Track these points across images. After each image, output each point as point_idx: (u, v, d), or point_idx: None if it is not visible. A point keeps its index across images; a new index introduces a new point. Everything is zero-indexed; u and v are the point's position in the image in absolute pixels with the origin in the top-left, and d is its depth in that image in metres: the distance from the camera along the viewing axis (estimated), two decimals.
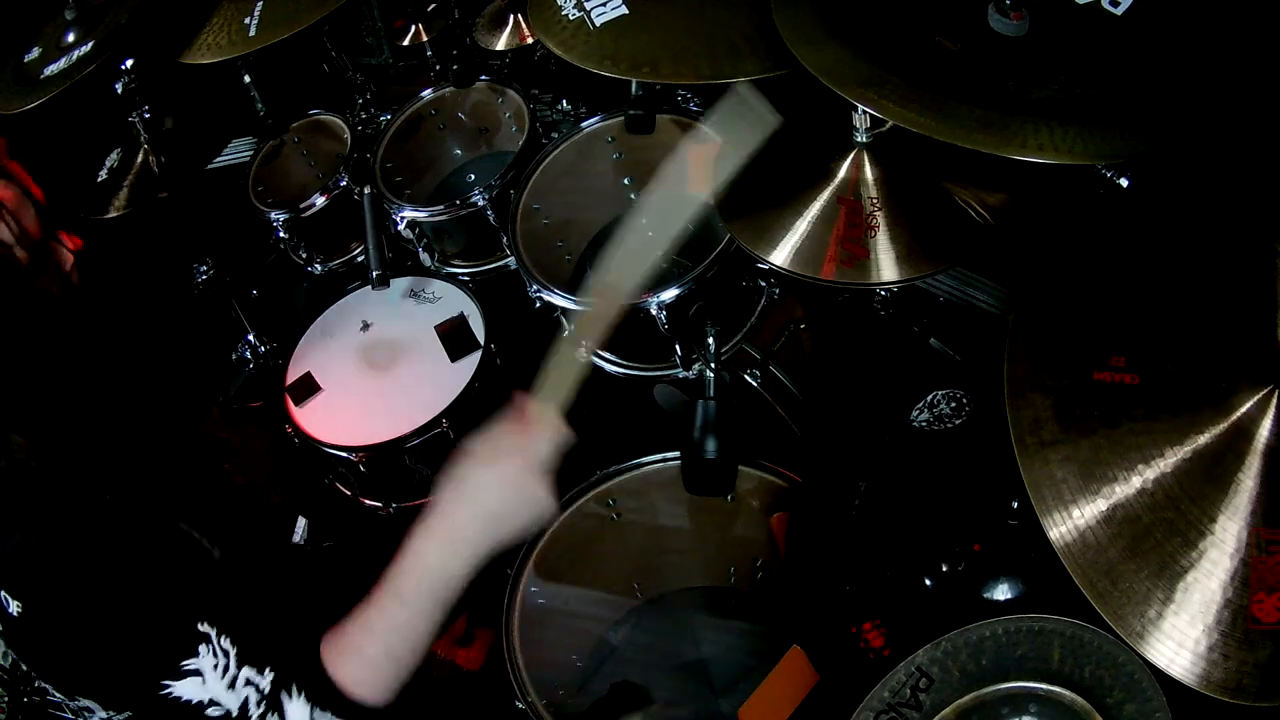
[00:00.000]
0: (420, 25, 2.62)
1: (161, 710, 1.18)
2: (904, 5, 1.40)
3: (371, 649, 1.22)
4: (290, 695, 1.22)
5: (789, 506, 1.62)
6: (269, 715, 1.20)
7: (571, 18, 1.81)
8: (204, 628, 1.18)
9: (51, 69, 2.19)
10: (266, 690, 1.20)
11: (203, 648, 1.17)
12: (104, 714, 1.25)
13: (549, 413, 1.28)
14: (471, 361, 2.01)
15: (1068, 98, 1.23)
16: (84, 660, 1.18)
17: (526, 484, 1.22)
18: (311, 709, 1.22)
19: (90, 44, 2.16)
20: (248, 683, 1.20)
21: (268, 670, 1.21)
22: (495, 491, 1.22)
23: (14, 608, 1.15)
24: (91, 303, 1.23)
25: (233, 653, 1.19)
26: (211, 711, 1.18)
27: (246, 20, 2.11)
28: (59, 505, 1.18)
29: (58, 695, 1.25)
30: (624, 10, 1.77)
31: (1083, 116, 1.20)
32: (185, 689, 1.17)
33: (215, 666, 1.18)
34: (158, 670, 1.16)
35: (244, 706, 1.19)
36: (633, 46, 1.72)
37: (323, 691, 1.23)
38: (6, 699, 1.33)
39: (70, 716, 1.36)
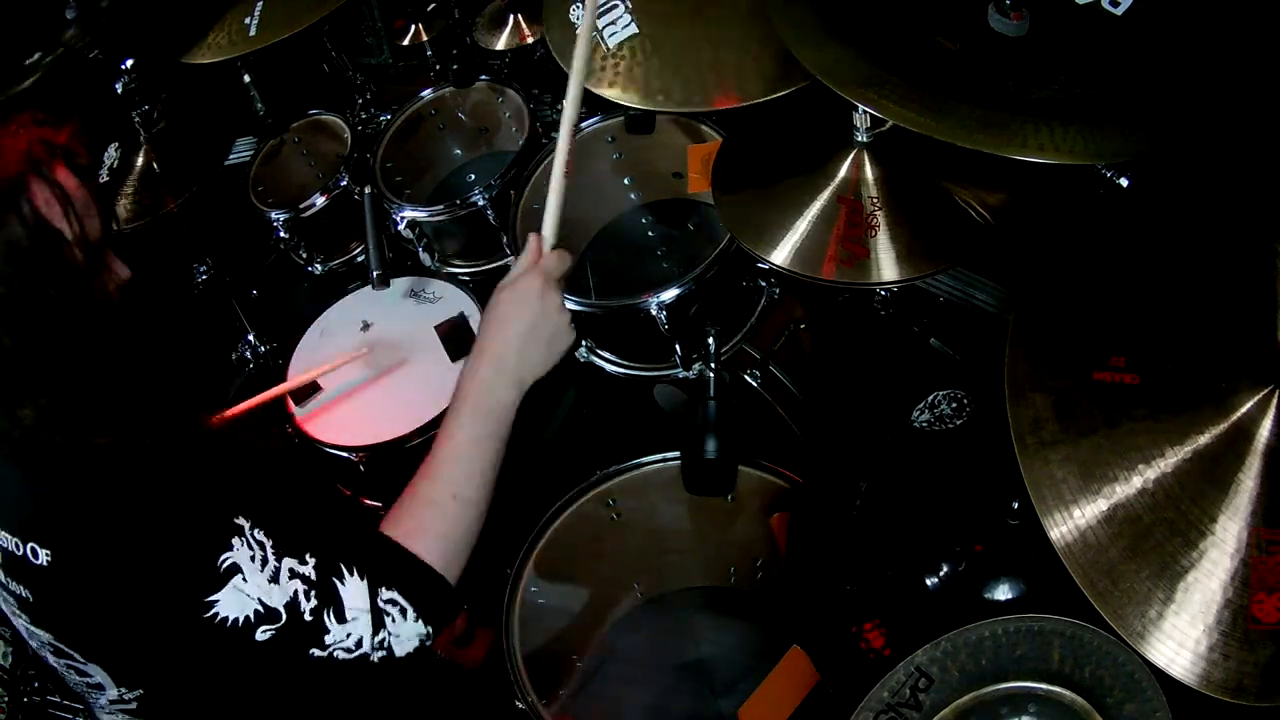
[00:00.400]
0: (420, 25, 2.62)
1: (208, 646, 1.11)
2: (904, 5, 1.40)
3: (438, 494, 1.23)
4: (343, 579, 1.16)
5: (789, 506, 1.62)
6: (324, 610, 1.14)
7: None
8: (238, 521, 1.12)
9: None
10: (314, 578, 1.14)
11: (236, 540, 1.11)
12: (114, 692, 1.22)
13: (551, 241, 1.37)
14: None
15: (1068, 98, 1.23)
16: (117, 598, 1.11)
17: (549, 299, 1.32)
18: (373, 588, 1.17)
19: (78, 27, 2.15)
20: (292, 574, 1.13)
21: (309, 557, 1.15)
22: (523, 308, 1.31)
23: (43, 558, 1.09)
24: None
25: (269, 544, 1.13)
26: (261, 633, 1.11)
27: (246, 20, 2.11)
28: (81, 448, 1.12)
29: (72, 660, 1.19)
30: (634, 30, 1.77)
31: (1083, 116, 1.20)
32: (227, 602, 1.10)
33: (253, 559, 1.11)
34: (195, 581, 1.09)
35: (294, 602, 1.13)
36: (646, 73, 1.73)
37: (385, 567, 1.19)
38: (6, 699, 1.32)
39: (69, 716, 1.35)
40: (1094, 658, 1.10)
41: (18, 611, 1.19)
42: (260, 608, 1.11)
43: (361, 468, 1.99)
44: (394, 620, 1.18)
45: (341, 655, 1.16)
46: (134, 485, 1.11)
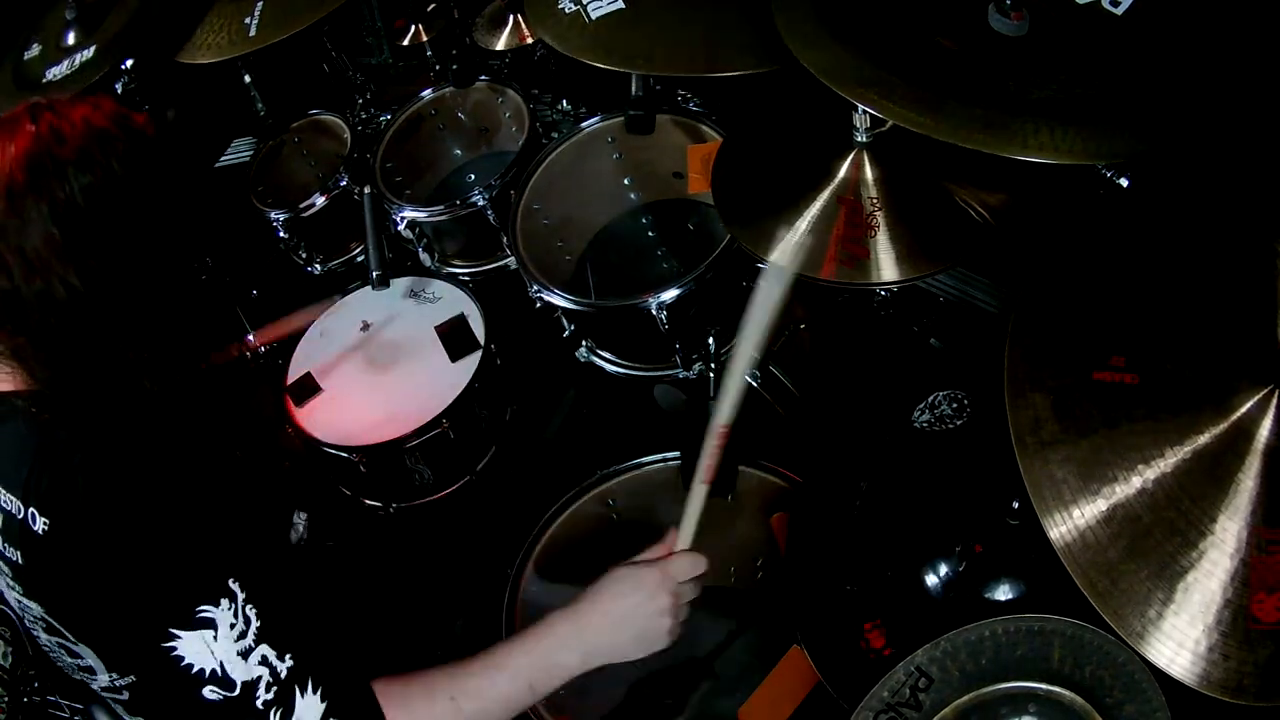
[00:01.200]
0: (420, 25, 2.62)
1: (159, 670, 1.11)
2: (904, 5, 1.40)
3: (450, 698, 1.20)
4: (304, 692, 1.15)
5: (789, 506, 1.62)
6: (274, 709, 1.13)
7: (568, 11, 1.82)
8: (233, 585, 1.12)
9: (54, 72, 2.19)
10: (282, 676, 1.13)
11: (225, 601, 1.10)
12: (105, 678, 1.21)
13: (687, 545, 1.34)
14: (471, 361, 2.01)
15: (1067, 98, 1.23)
16: (99, 588, 1.11)
17: (660, 599, 1.28)
18: (327, 714, 1.15)
19: (93, 49, 2.16)
20: (264, 661, 1.12)
21: (288, 657, 1.14)
22: (632, 594, 1.29)
23: (40, 525, 1.09)
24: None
25: (255, 624, 1.12)
26: (209, 691, 1.10)
27: (246, 20, 2.11)
28: (112, 428, 1.14)
29: (64, 639, 1.19)
30: (620, 5, 1.79)
31: (1082, 117, 1.20)
32: (190, 647, 1.09)
33: (232, 626, 1.11)
34: (169, 610, 1.09)
35: (252, 685, 1.12)
36: (628, 39, 1.73)
37: (346, 702, 1.17)
38: (6, 699, 1.32)
39: (69, 716, 1.35)
40: (1094, 658, 1.10)
41: (11, 581, 1.18)
42: (219, 670, 1.11)
43: (362, 468, 1.99)
44: None
45: None
46: (146, 485, 1.12)
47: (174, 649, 1.10)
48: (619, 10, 1.79)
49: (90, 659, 1.20)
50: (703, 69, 1.69)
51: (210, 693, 1.11)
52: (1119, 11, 1.28)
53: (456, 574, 2.12)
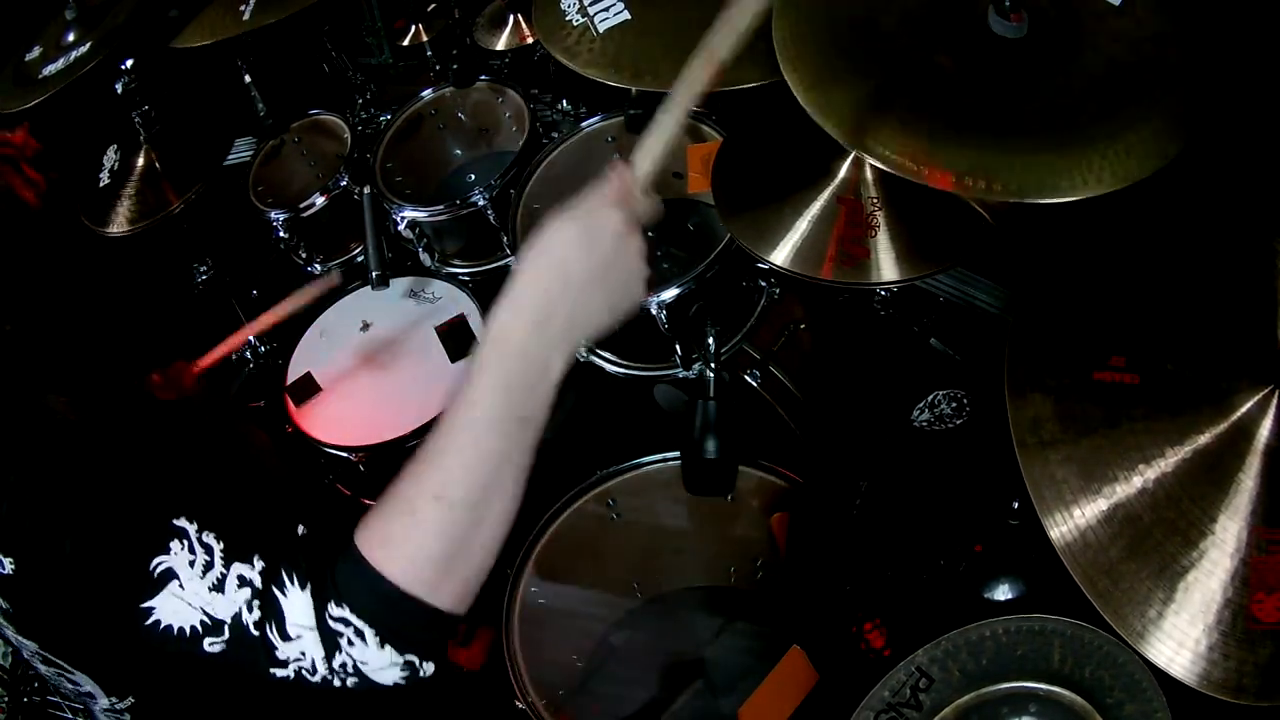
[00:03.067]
0: (420, 25, 2.62)
1: (158, 654, 1.03)
2: (902, 24, 1.39)
3: (417, 495, 0.99)
4: (284, 589, 1.00)
5: (789, 506, 1.62)
6: (267, 624, 1.00)
7: (575, 24, 1.81)
8: (179, 523, 1.02)
9: (50, 68, 2.19)
10: (259, 585, 1.01)
11: (174, 543, 1.00)
12: (105, 701, 1.21)
13: (642, 176, 1.08)
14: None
15: (1072, 106, 1.23)
16: (73, 604, 1.05)
17: (632, 242, 1.01)
18: (318, 603, 1.00)
19: (88, 44, 2.16)
20: (241, 582, 1.01)
21: (256, 559, 1.01)
22: (595, 246, 1.00)
23: (8, 566, 1.03)
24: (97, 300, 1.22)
25: (218, 548, 1.01)
26: (208, 645, 1.01)
27: (241, 6, 2.10)
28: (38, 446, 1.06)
29: (61, 669, 1.18)
30: (626, 15, 1.78)
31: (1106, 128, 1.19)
32: (165, 609, 1.00)
33: (192, 564, 1.00)
34: (128, 585, 1.01)
35: (238, 617, 1.01)
36: (635, 54, 1.72)
37: (337, 579, 1.01)
38: (6, 699, 1.32)
39: (70, 716, 1.35)
40: (1094, 658, 1.10)
41: (3, 622, 1.16)
42: (205, 618, 1.01)
43: (361, 468, 1.99)
44: (352, 644, 1.01)
45: (308, 677, 1.02)
46: (78, 482, 1.05)
47: (157, 621, 1.01)
48: (625, 21, 1.78)
49: (89, 685, 1.20)
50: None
51: (210, 645, 1.02)
52: (1117, 2, 1.28)
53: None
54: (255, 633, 1.01)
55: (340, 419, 2.03)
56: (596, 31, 1.78)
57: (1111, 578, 1.08)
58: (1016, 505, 1.28)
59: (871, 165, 1.54)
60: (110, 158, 2.31)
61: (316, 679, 1.02)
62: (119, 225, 2.19)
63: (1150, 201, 1.29)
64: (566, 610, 1.86)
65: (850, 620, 1.36)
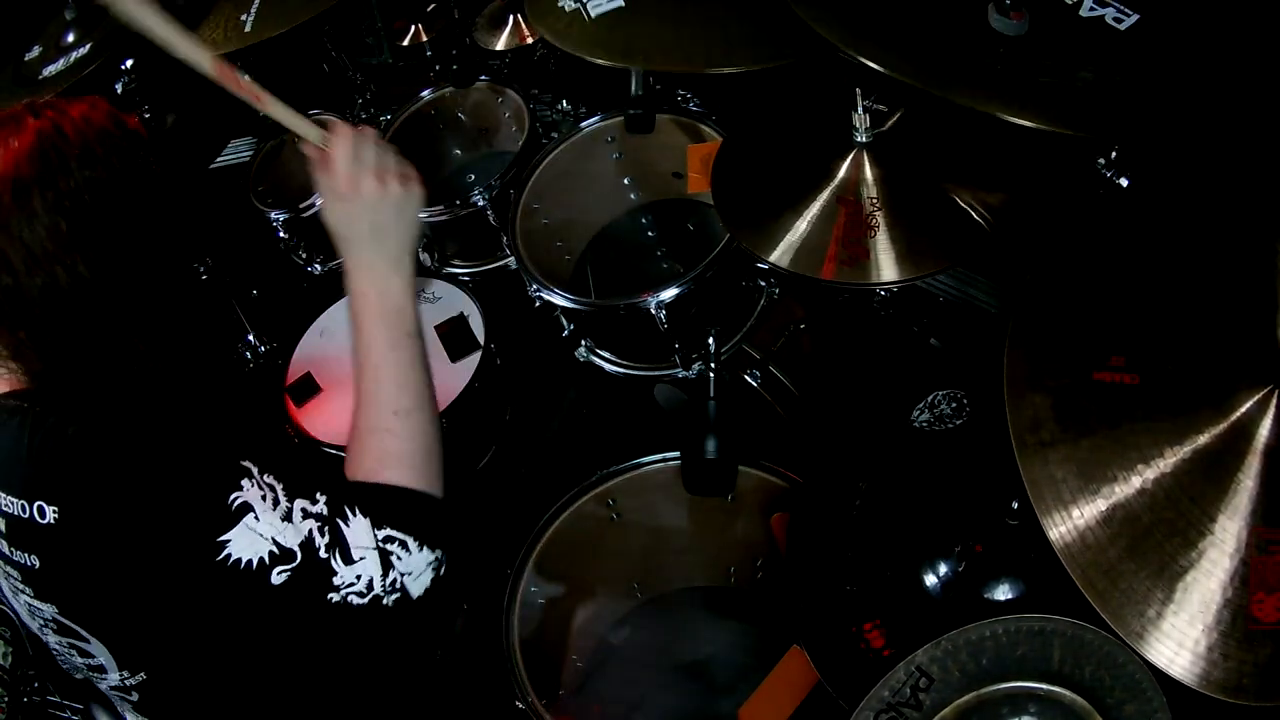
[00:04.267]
0: (420, 25, 2.62)
1: (223, 593, 1.12)
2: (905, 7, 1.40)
3: (381, 418, 1.22)
4: (348, 519, 1.16)
5: (789, 506, 1.62)
6: (334, 550, 1.14)
7: (568, 9, 1.83)
8: (246, 464, 1.13)
9: (51, 69, 2.19)
10: (325, 514, 1.15)
11: (245, 481, 1.12)
12: (116, 676, 1.21)
13: (317, 139, 1.35)
14: (471, 361, 2.01)
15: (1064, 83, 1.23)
16: (124, 554, 1.12)
17: (364, 183, 1.28)
18: (372, 527, 1.17)
19: (89, 45, 2.16)
20: (305, 514, 1.14)
21: (319, 495, 1.16)
22: (352, 211, 1.29)
23: (50, 515, 1.10)
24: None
25: (279, 487, 1.14)
26: (276, 575, 1.11)
27: (243, 17, 2.11)
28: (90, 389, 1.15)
29: (76, 638, 1.20)
30: (620, 3, 1.79)
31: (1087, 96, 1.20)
32: (240, 542, 1.10)
33: (264, 499, 1.12)
34: (206, 521, 1.10)
35: (309, 541, 1.13)
36: (627, 36, 1.74)
37: (373, 507, 1.18)
38: (6, 699, 1.32)
39: (70, 716, 1.35)
40: (1094, 658, 1.10)
41: (21, 585, 1.18)
42: (275, 548, 1.12)
43: None
44: (400, 558, 1.18)
45: (355, 600, 1.16)
46: (140, 431, 1.13)
47: (229, 555, 1.10)
48: (618, 8, 1.79)
49: (102, 657, 1.20)
50: (701, 66, 1.69)
51: (278, 575, 1.12)
52: (1122, 29, 1.28)
53: (456, 574, 2.12)
54: (324, 555, 1.14)
55: (340, 419, 2.02)
56: (588, 16, 1.80)
57: (1111, 578, 1.08)
58: (1016, 505, 1.28)
59: (871, 166, 1.54)
60: None
61: (365, 601, 1.16)
62: None
63: (1150, 202, 1.29)
64: (566, 610, 1.86)
65: (850, 620, 1.36)
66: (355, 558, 1.15)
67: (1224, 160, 1.24)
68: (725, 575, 1.93)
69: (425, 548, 1.20)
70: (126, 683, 1.22)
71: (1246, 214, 1.21)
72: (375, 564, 1.16)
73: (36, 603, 1.19)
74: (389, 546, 1.17)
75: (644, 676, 1.84)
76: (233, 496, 1.11)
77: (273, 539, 1.12)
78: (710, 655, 1.85)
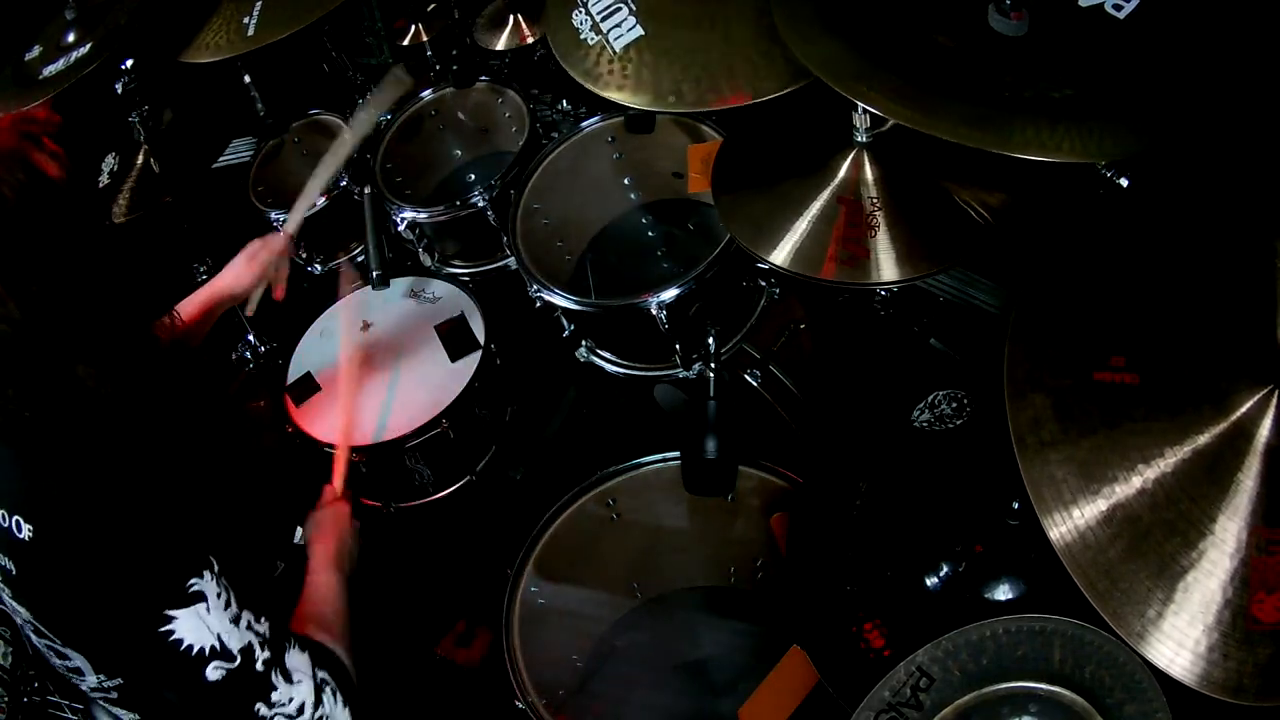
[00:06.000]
0: (420, 25, 2.62)
1: (159, 663, 1.14)
2: (903, 3, 1.40)
3: (328, 618, 1.41)
4: (288, 648, 1.23)
5: (789, 506, 1.62)
6: (274, 668, 1.19)
7: (591, 43, 1.78)
8: (210, 557, 1.16)
9: (50, 69, 2.19)
10: (268, 636, 1.20)
11: (207, 572, 1.15)
12: (94, 679, 1.22)
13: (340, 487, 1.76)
14: (471, 361, 2.01)
15: (1063, 96, 1.23)
16: (87, 587, 1.13)
17: (349, 519, 1.67)
18: (312, 663, 1.25)
19: (89, 45, 2.16)
20: (249, 626, 1.18)
21: (263, 619, 1.21)
22: (339, 526, 1.64)
23: (26, 532, 1.11)
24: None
25: (232, 593, 1.17)
26: (212, 670, 1.14)
27: (245, 20, 2.11)
28: (78, 423, 1.15)
29: (51, 643, 1.20)
30: (640, 32, 1.75)
31: (1076, 114, 1.20)
32: (186, 626, 1.13)
33: (219, 596, 1.15)
34: (161, 591, 1.12)
35: (249, 649, 1.17)
36: (655, 75, 1.70)
37: (314, 650, 1.28)
38: (6, 699, 1.32)
39: (70, 717, 1.35)
40: (1094, 658, 1.10)
41: (2, 585, 1.19)
42: (217, 644, 1.15)
43: (362, 468, 1.99)
44: (329, 700, 1.27)
45: None
46: (123, 482, 1.13)
47: (171, 633, 1.12)
48: (640, 37, 1.75)
49: (78, 660, 1.21)
50: (738, 99, 1.62)
51: (213, 671, 1.15)
52: (1121, 16, 1.28)
53: (456, 574, 2.13)
54: (261, 669, 1.19)
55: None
56: (613, 50, 1.76)
57: (1111, 578, 1.08)
58: (1016, 505, 1.28)
59: (871, 166, 1.54)
60: (109, 163, 2.32)
61: None
62: (116, 217, 2.20)
63: (1150, 202, 1.29)
64: (566, 610, 1.86)
65: (850, 620, 1.36)
66: (295, 679, 1.22)
67: (1224, 160, 1.24)
68: (725, 575, 1.93)
69: (347, 709, 1.29)
70: (104, 685, 1.23)
71: (1246, 214, 1.21)
72: (310, 692, 1.24)
73: (14, 604, 1.20)
74: (324, 685, 1.27)
75: (644, 676, 1.84)
76: (191, 581, 1.14)
77: (218, 635, 1.15)
78: (710, 655, 1.85)
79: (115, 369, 1.17)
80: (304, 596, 1.47)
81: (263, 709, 1.19)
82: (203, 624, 1.14)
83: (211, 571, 1.16)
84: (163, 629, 1.12)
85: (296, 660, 1.24)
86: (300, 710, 1.22)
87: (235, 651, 1.16)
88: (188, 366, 1.39)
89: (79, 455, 1.13)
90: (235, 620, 1.17)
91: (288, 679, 1.21)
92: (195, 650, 1.14)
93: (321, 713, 1.25)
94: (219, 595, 1.16)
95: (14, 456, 1.14)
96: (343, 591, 1.52)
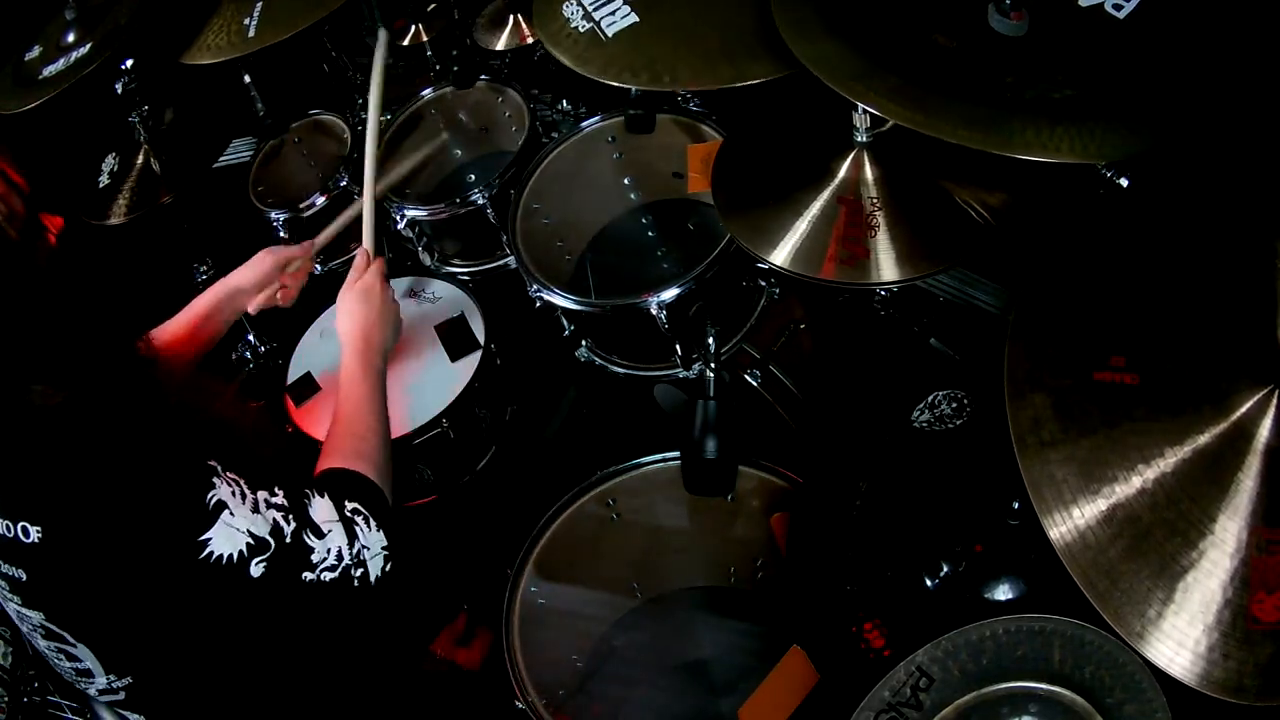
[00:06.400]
0: (420, 25, 2.62)
1: (206, 591, 1.16)
2: (903, 3, 1.40)
3: (360, 430, 1.48)
4: (310, 500, 1.27)
5: (789, 506, 1.62)
6: (304, 530, 1.23)
7: (582, 30, 1.79)
8: (211, 463, 1.19)
9: (50, 69, 2.19)
10: (287, 504, 1.23)
11: (215, 479, 1.17)
12: (103, 680, 1.22)
13: (373, 252, 1.82)
14: (471, 361, 2.01)
15: (1061, 97, 1.23)
16: (111, 561, 1.14)
17: (387, 292, 1.75)
18: (337, 502, 1.29)
19: (89, 45, 2.16)
20: (268, 504, 1.21)
21: (276, 488, 1.24)
22: (371, 301, 1.71)
23: (34, 535, 1.11)
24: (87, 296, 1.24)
25: (242, 482, 1.20)
26: (255, 567, 1.17)
27: (246, 21, 2.11)
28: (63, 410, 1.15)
29: (63, 643, 1.20)
30: (634, 19, 1.75)
31: (1076, 115, 1.20)
32: (220, 539, 1.15)
33: (234, 494, 1.18)
34: (187, 522, 1.14)
35: (277, 528, 1.21)
36: (649, 56, 1.70)
37: (340, 486, 1.33)
38: (6, 699, 1.32)
39: (70, 717, 1.35)
40: (1094, 658, 1.10)
41: (9, 594, 1.19)
42: (250, 540, 1.18)
43: None
44: (362, 530, 1.31)
45: (327, 576, 1.25)
46: (107, 444, 1.14)
47: (211, 553, 1.15)
48: (633, 24, 1.75)
49: (88, 660, 1.20)
50: (729, 80, 1.63)
51: (257, 567, 1.19)
52: (1121, 15, 1.28)
53: (456, 574, 2.12)
54: (292, 540, 1.22)
55: None
56: (604, 35, 1.75)
57: (1111, 578, 1.08)
58: (1016, 505, 1.28)
59: (871, 166, 1.54)
60: (109, 163, 2.32)
61: (336, 574, 1.26)
62: (116, 217, 2.21)
63: (1150, 202, 1.29)
64: (566, 610, 1.86)
65: (850, 620, 1.36)
66: (324, 531, 1.26)
67: (1224, 160, 1.24)
68: (725, 575, 1.93)
69: (380, 530, 1.33)
70: (114, 685, 1.23)
71: (1246, 214, 1.21)
72: (342, 534, 1.27)
73: (24, 610, 1.20)
74: (354, 518, 1.30)
75: (644, 676, 1.84)
76: (209, 495, 1.16)
77: (248, 530, 1.18)
78: (710, 655, 1.85)
79: (78, 385, 1.17)
80: (334, 417, 1.51)
81: (308, 575, 1.24)
82: (232, 529, 1.17)
83: (218, 474, 1.18)
84: (202, 555, 1.15)
85: (321, 511, 1.27)
86: (340, 557, 1.26)
87: (266, 536, 1.19)
88: (175, 372, 1.37)
89: (67, 446, 1.13)
90: (255, 508, 1.19)
91: (319, 534, 1.25)
92: (235, 556, 1.17)
93: (358, 546, 1.29)
94: (234, 493, 1.18)
95: (5, 466, 1.14)
96: (374, 391, 1.55)
